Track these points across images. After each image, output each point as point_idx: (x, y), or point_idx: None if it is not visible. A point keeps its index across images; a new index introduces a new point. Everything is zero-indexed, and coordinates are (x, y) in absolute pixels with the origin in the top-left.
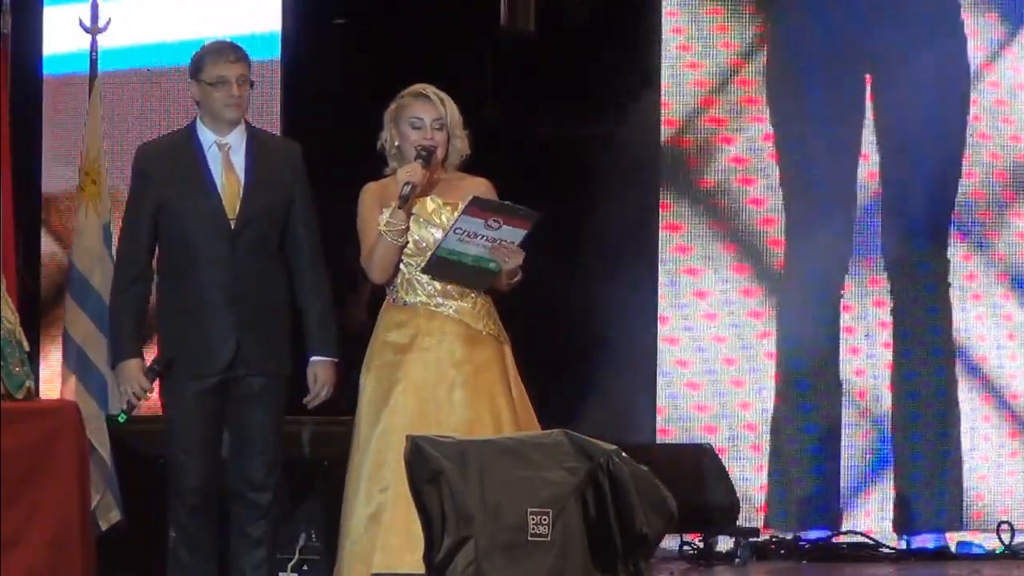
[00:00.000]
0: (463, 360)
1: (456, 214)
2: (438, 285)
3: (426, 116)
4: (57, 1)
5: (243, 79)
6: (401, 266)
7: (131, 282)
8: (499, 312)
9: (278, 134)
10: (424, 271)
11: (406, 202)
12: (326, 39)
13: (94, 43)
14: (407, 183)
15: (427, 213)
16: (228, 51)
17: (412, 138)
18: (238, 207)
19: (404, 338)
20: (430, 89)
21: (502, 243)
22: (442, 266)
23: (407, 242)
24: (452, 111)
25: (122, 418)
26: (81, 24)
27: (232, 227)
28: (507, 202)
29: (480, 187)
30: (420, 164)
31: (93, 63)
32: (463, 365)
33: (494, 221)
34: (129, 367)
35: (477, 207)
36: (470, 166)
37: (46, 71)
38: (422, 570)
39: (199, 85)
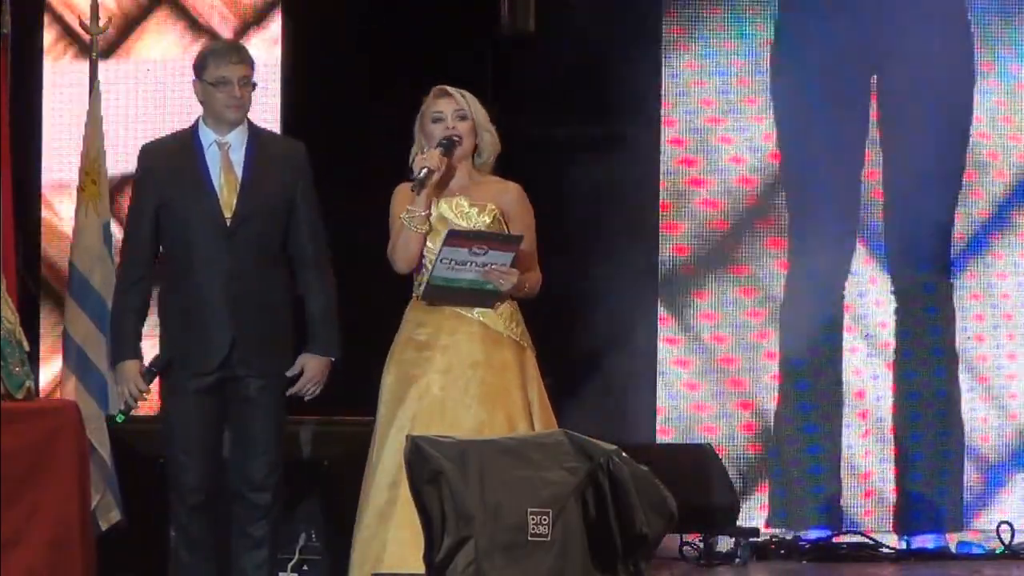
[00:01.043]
0: (481, 361)
1: (439, 246)
2: None
3: (446, 108)
4: None
5: (245, 80)
6: (427, 263)
7: (133, 282)
8: None
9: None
10: (422, 298)
11: (422, 186)
12: (326, 39)
13: (94, 43)
14: (423, 167)
15: (462, 214)
16: (231, 52)
17: (436, 133)
18: (234, 205)
19: (425, 336)
20: (449, 87)
21: (492, 267)
22: (438, 292)
23: (428, 230)
24: (475, 104)
25: (120, 418)
26: (81, 24)
27: (228, 225)
28: (484, 231)
29: (511, 193)
30: (439, 151)
31: (93, 63)
32: (480, 366)
33: (478, 248)
34: (127, 368)
35: (456, 238)
36: None
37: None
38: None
39: (201, 85)
